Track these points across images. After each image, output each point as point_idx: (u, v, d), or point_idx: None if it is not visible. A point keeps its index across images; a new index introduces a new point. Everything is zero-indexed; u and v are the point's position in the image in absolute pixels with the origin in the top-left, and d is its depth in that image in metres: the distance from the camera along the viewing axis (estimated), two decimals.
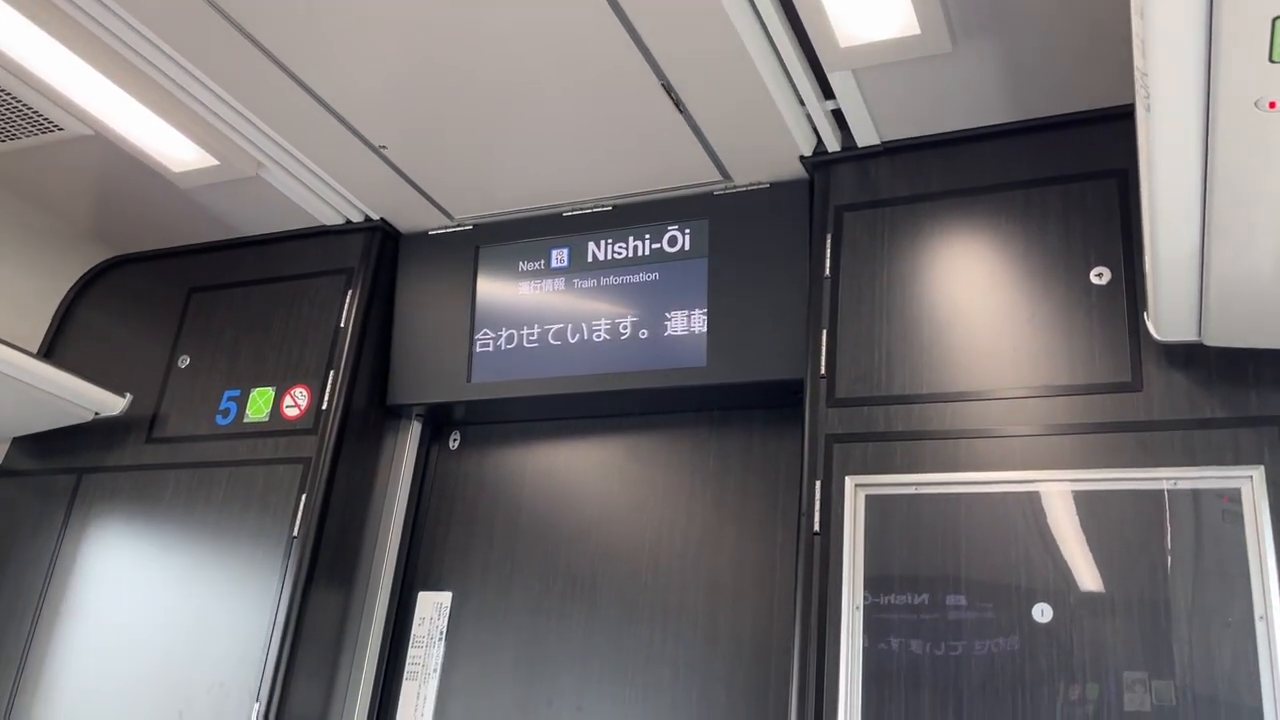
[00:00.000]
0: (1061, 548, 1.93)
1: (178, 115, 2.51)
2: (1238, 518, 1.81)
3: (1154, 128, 1.34)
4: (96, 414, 2.93)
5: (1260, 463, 1.83)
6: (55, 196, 3.05)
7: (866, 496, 2.10)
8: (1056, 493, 1.96)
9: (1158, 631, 1.80)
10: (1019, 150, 2.26)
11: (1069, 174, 2.19)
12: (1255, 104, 1.23)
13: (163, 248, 3.27)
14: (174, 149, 2.65)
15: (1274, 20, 1.10)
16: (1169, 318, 1.85)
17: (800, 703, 1.99)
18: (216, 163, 2.67)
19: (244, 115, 2.51)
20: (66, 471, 3.03)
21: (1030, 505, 1.98)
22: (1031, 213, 2.20)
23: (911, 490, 2.07)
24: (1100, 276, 2.09)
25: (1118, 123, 2.14)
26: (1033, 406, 2.04)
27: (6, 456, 3.17)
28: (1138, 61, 1.25)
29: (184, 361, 3.05)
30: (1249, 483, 1.82)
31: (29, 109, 2.57)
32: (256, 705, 2.45)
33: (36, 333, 3.27)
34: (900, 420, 2.14)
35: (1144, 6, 1.15)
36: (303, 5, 2.12)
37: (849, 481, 2.12)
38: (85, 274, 3.35)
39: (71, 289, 3.34)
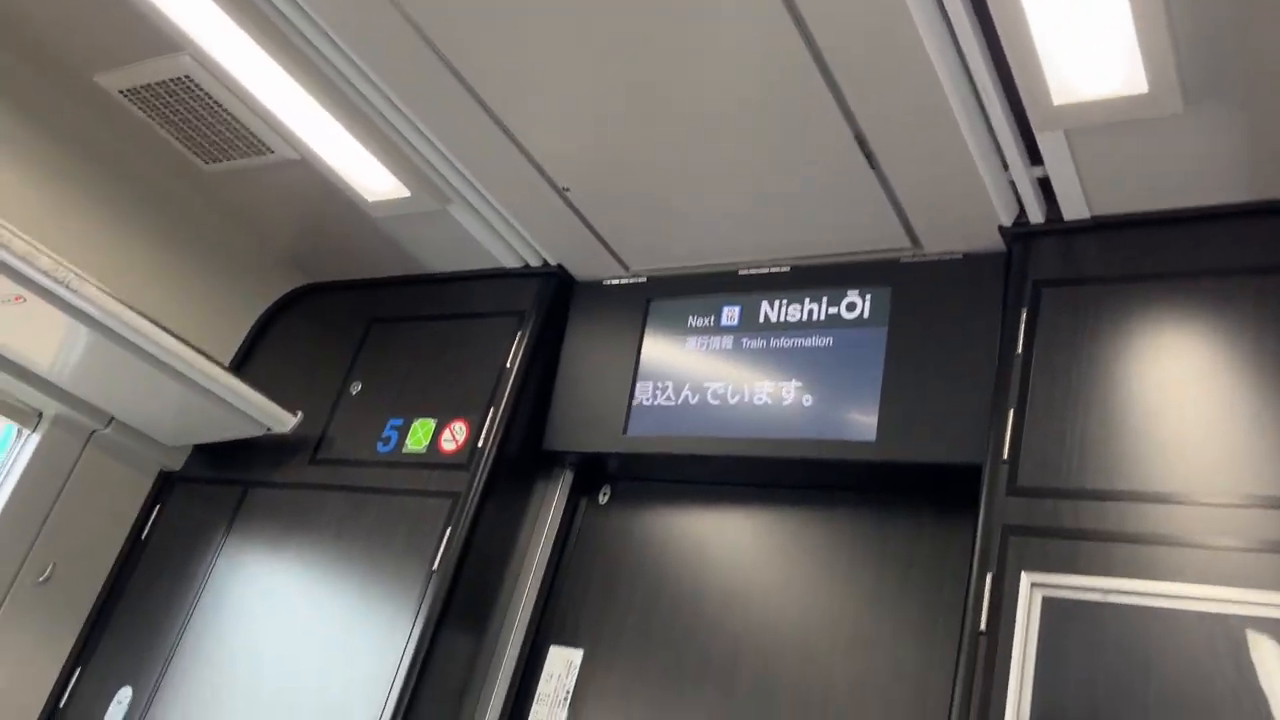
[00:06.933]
0: (1270, 688, 1.64)
1: (378, 145, 2.58)
2: None
3: None
4: (268, 430, 3.01)
5: None
6: (258, 219, 3.20)
7: (1044, 598, 1.87)
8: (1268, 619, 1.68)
9: None
10: (1253, 233, 2.02)
11: None
12: None
13: (352, 279, 3.38)
14: (371, 179, 2.73)
15: None
16: None
17: None
18: (409, 194, 2.73)
19: (437, 148, 2.57)
20: (234, 483, 3.12)
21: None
22: (1265, 302, 1.95)
23: (1097, 597, 1.82)
24: None
25: None
26: (1247, 517, 1.77)
27: (185, 464, 3.30)
28: None
29: (356, 388, 3.11)
30: None
31: (247, 130, 2.71)
32: None
33: (227, 349, 3.42)
34: (1089, 518, 1.91)
35: None
36: (507, 38, 2.15)
37: (1025, 578, 1.89)
38: (281, 298, 3.51)
39: (266, 310, 3.49)
